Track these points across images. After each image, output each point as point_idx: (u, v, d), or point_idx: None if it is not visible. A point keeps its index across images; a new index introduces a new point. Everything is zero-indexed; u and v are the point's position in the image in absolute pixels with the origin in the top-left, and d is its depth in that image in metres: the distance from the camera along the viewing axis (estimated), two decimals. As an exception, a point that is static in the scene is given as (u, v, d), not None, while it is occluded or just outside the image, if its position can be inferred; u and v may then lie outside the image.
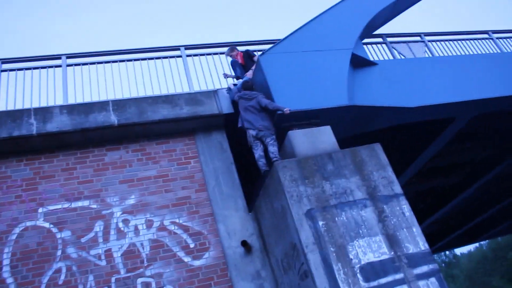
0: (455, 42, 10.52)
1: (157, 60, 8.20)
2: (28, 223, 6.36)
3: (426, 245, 5.77)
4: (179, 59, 8.32)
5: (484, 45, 10.73)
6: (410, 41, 10.09)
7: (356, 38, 8.35)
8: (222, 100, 7.58)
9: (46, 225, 6.38)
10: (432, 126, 9.94)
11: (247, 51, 8.23)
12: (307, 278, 5.42)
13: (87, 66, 7.92)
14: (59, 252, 6.19)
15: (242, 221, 6.92)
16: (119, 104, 7.20)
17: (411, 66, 8.86)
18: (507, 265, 46.56)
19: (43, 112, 6.90)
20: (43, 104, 7.36)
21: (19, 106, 7.25)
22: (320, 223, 5.65)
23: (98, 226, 6.49)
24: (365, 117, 7.95)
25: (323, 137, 6.79)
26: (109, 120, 7.04)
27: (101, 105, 7.15)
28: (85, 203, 6.65)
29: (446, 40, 10.48)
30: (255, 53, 8.41)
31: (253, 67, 7.87)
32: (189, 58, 8.35)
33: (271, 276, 6.54)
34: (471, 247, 59.23)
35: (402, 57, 9.66)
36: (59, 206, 6.56)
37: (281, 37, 7.99)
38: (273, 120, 6.93)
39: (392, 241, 5.70)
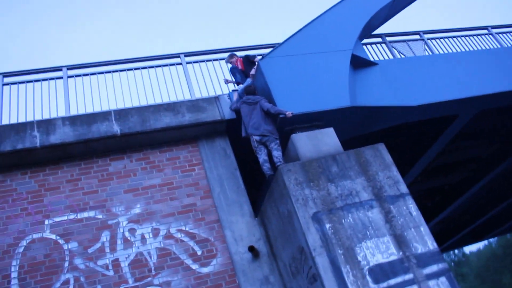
0: (454, 39, 10.50)
1: (157, 68, 8.22)
2: (35, 235, 6.36)
3: (435, 244, 5.73)
4: (180, 66, 8.33)
5: (484, 40, 10.71)
6: (410, 40, 10.07)
7: (355, 39, 8.34)
8: (224, 105, 7.58)
9: (53, 236, 6.38)
10: (435, 124, 9.91)
11: (246, 56, 8.24)
12: (316, 282, 5.39)
13: (88, 76, 7.94)
14: (66, 264, 6.18)
15: (249, 227, 6.90)
16: (121, 114, 7.21)
17: (411, 65, 8.84)
18: (517, 262, 46.24)
19: (46, 124, 6.92)
20: (46, 116, 7.39)
21: (22, 119, 7.27)
22: (327, 225, 5.62)
23: (105, 236, 6.49)
24: (367, 118, 7.93)
25: (327, 139, 6.77)
26: (111, 130, 7.04)
27: (104, 115, 7.16)
28: (91, 213, 6.65)
29: (446, 37, 10.46)
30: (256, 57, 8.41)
31: (252, 71, 7.86)
32: (189, 65, 8.36)
33: (280, 281, 6.50)
34: (480, 245, 58.86)
35: (402, 56, 9.64)
36: (65, 218, 6.56)
37: (281, 40, 7.99)
38: (276, 124, 6.92)
39: (400, 241, 5.66)
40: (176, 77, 8.18)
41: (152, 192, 6.97)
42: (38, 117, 7.33)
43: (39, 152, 6.79)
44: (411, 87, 8.34)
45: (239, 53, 8.54)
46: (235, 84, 8.30)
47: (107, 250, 6.38)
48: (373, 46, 9.62)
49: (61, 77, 7.85)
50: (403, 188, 6.16)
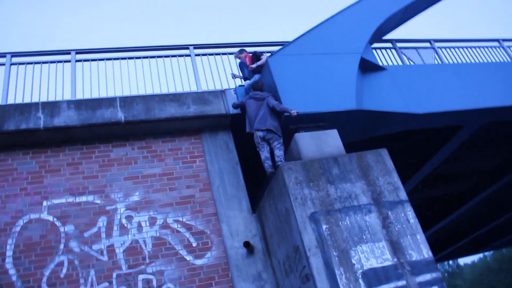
0: (464, 49, 10.45)
1: (165, 59, 8.22)
2: (32, 216, 6.38)
3: (430, 253, 5.71)
4: (188, 58, 8.33)
5: (494, 53, 10.65)
6: (420, 47, 10.03)
7: (365, 43, 8.32)
8: (229, 100, 7.57)
9: (50, 218, 6.40)
10: (439, 133, 9.88)
11: (255, 52, 8.23)
12: (308, 282, 5.39)
13: (96, 62, 7.94)
14: (61, 246, 6.21)
15: (246, 222, 6.90)
16: (127, 101, 7.22)
17: (420, 72, 8.81)
18: (511, 277, 46.12)
19: (51, 107, 6.93)
20: (51, 98, 7.40)
21: (27, 100, 7.29)
22: (324, 226, 5.61)
23: (102, 222, 6.50)
24: (372, 122, 7.91)
25: (330, 141, 6.76)
26: (116, 116, 7.05)
27: (109, 102, 7.17)
28: (90, 198, 6.67)
29: (456, 47, 10.41)
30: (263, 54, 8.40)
31: (258, 63, 7.86)
32: (197, 58, 8.36)
33: (273, 278, 6.51)
34: (475, 258, 58.82)
35: (411, 63, 9.61)
36: (64, 200, 6.58)
37: (291, 38, 7.98)
38: (280, 121, 6.92)
39: (396, 247, 5.66)
40: (184, 69, 8.18)
41: (152, 181, 6.98)
42: (43, 99, 7.34)
43: (42, 133, 6.81)
44: (418, 95, 8.32)
45: (248, 49, 8.53)
46: (242, 80, 8.30)
47: (103, 235, 6.40)
48: (383, 51, 9.59)
49: (69, 61, 7.86)
50: (403, 195, 6.15)
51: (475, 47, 10.60)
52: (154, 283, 6.18)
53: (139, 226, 6.57)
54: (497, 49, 10.81)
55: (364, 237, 5.65)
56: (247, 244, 6.61)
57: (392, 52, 9.65)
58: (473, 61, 10.23)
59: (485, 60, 10.39)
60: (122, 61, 8.04)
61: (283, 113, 6.79)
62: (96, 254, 6.24)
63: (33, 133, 6.75)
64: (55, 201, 6.55)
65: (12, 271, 5.92)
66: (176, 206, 6.84)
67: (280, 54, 7.59)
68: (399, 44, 9.83)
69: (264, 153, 6.77)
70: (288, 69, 7.40)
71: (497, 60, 10.51)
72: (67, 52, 7.98)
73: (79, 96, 7.51)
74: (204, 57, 8.43)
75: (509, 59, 10.61)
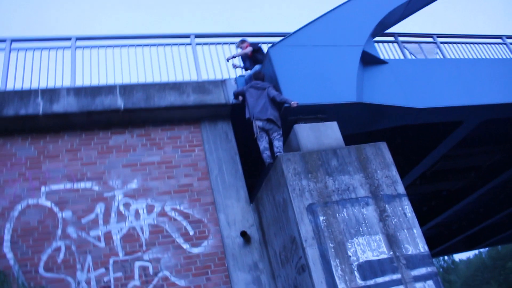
0: (467, 45, 10.42)
1: (166, 47, 8.19)
2: (30, 201, 6.39)
3: (426, 248, 5.74)
4: (189, 47, 8.30)
5: (497, 50, 10.62)
6: (422, 42, 10.01)
7: (368, 36, 8.28)
8: (229, 90, 7.55)
9: (48, 204, 6.41)
10: (439, 128, 9.87)
11: (252, 43, 8.22)
12: (304, 272, 5.42)
13: (96, 49, 7.91)
14: (59, 231, 6.22)
15: (243, 212, 6.92)
16: (126, 89, 7.20)
17: (421, 67, 8.78)
18: (506, 274, 46.37)
19: (50, 93, 6.91)
20: (51, 85, 7.37)
21: (27, 86, 7.27)
22: (321, 218, 5.63)
23: (99, 208, 6.52)
24: (372, 115, 7.90)
25: (329, 133, 6.76)
26: (115, 104, 7.04)
27: (109, 89, 7.15)
28: (88, 184, 6.68)
29: (459, 43, 10.38)
30: (262, 45, 8.41)
31: (243, 50, 7.97)
32: (198, 47, 8.33)
33: (268, 268, 6.54)
34: (470, 254, 59.05)
35: (413, 57, 9.58)
36: (62, 186, 6.59)
37: (293, 29, 7.95)
38: (280, 112, 6.91)
39: (392, 241, 5.68)
40: (184, 58, 8.16)
41: (150, 169, 6.98)
42: (43, 85, 7.31)
43: (41, 119, 6.80)
44: (419, 89, 8.30)
45: (250, 39, 8.49)
46: (243, 70, 8.28)
47: (101, 222, 6.42)
48: (385, 44, 9.57)
49: (69, 47, 7.82)
50: (401, 189, 6.16)
51: (478, 43, 10.57)
52: (150, 270, 6.21)
53: (137, 214, 6.58)
54: (500, 46, 10.78)
55: (361, 229, 5.67)
56: (244, 234, 6.63)
57: (394, 46, 9.62)
58: (475, 57, 10.20)
59: (488, 57, 10.36)
60: (122, 48, 8.00)
61: (283, 104, 6.78)
62: (93, 240, 6.26)
63: (32, 119, 6.75)
64: (53, 187, 6.55)
65: (9, 255, 5.94)
66: (174, 194, 6.85)
67: (282, 45, 7.55)
68: (401, 38, 9.80)
69: (263, 144, 6.76)
70: (289, 60, 7.38)
71: (500, 57, 10.48)
72: (68, 38, 7.95)
73: (78, 83, 7.49)
74: (205, 47, 8.42)
75: (511, 56, 10.58)
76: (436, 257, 35.83)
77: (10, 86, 7.25)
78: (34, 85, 7.29)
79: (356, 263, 5.40)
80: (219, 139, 7.49)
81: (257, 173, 8.14)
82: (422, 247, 5.72)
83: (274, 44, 7.64)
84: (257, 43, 8.27)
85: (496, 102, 8.72)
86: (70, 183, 6.63)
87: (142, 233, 6.44)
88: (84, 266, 6.04)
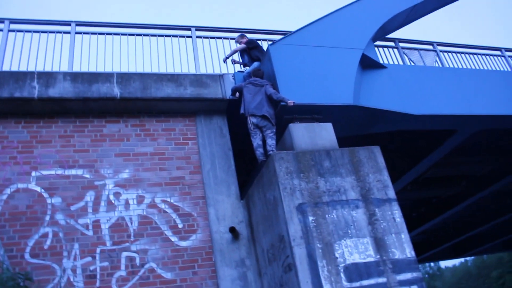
0: (466, 55, 10.46)
1: (166, 38, 8.15)
2: (20, 185, 6.34)
3: (413, 253, 5.77)
4: (189, 39, 8.27)
5: (496, 61, 10.68)
6: (422, 49, 10.05)
7: (368, 39, 8.30)
8: (227, 85, 7.54)
9: (38, 189, 6.37)
10: (433, 135, 9.92)
11: (250, 40, 8.22)
12: (290, 271, 5.43)
13: (96, 35, 7.85)
14: (47, 217, 6.18)
15: (233, 208, 6.92)
16: (124, 77, 7.16)
17: (420, 74, 8.82)
18: (490, 283, 46.78)
19: (47, 77, 6.86)
20: (48, 69, 7.32)
21: (23, 68, 7.21)
22: (310, 218, 5.64)
23: (89, 196, 6.48)
24: (368, 119, 7.92)
25: (324, 134, 6.76)
26: (112, 92, 7.00)
27: (106, 77, 7.11)
28: (79, 171, 6.64)
29: (458, 52, 10.43)
30: (262, 43, 8.43)
31: (237, 47, 8.13)
32: (198, 40, 8.30)
33: (255, 265, 6.55)
34: (456, 262, 59.49)
35: (412, 64, 9.61)
36: (53, 172, 6.55)
37: (293, 29, 7.94)
38: (276, 110, 6.91)
39: (380, 244, 5.70)
40: (184, 50, 8.13)
41: (143, 160, 6.96)
42: (40, 68, 7.26)
43: (36, 103, 6.74)
44: (416, 96, 8.34)
45: (250, 36, 8.48)
46: (242, 66, 8.27)
47: (90, 210, 6.39)
48: (385, 49, 9.59)
49: (68, 32, 7.76)
50: (391, 194, 6.18)
51: (477, 54, 10.62)
52: (137, 261, 6.20)
53: (127, 204, 6.56)
54: (499, 58, 10.84)
55: (350, 231, 5.69)
56: (232, 230, 6.63)
57: (394, 51, 9.65)
58: (473, 67, 10.25)
59: (486, 68, 10.42)
60: (122, 37, 7.95)
61: (279, 102, 6.78)
62: (81, 228, 6.23)
63: (27, 102, 6.69)
64: (44, 172, 6.51)
65: (-5, 238, 5.90)
66: (165, 186, 6.83)
67: (282, 43, 7.55)
68: (401, 44, 9.84)
69: (257, 141, 6.76)
70: (289, 58, 7.37)
71: (498, 69, 10.53)
72: (68, 23, 7.89)
73: (76, 69, 7.44)
74: (205, 40, 8.38)
75: (509, 69, 10.64)
76: (422, 263, 36.04)
77: (6, 68, 7.19)
78: (31, 68, 7.23)
79: (342, 264, 5.42)
80: (214, 134, 7.47)
81: (249, 170, 8.13)
82: (409, 252, 5.75)
83: (274, 42, 7.64)
84: (255, 40, 8.26)
85: (491, 113, 8.79)
86: (61, 169, 6.59)
87: (131, 223, 6.42)
88: (71, 254, 6.01)
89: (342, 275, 5.34)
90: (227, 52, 8.33)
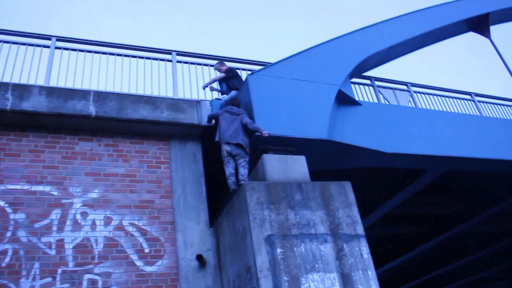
0: (439, 97, 10.83)
1: (146, 60, 8.18)
2: (-17, 199, 6.14)
3: (378, 290, 5.79)
4: (169, 63, 8.31)
5: (466, 105, 11.07)
6: (397, 89, 10.35)
7: (345, 76, 8.51)
8: (203, 111, 7.57)
9: (1, 203, 6.16)
10: (404, 174, 10.11)
11: (229, 68, 8.32)
12: (255, 303, 5.36)
13: (75, 52, 7.83)
14: (8, 234, 5.97)
15: (202, 235, 6.85)
16: (100, 96, 7.12)
17: (393, 113, 9.05)
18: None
19: (22, 90, 6.76)
20: (24, 81, 7.22)
21: (-2, 79, 7.10)
22: (278, 250, 5.62)
23: (55, 214, 6.32)
24: (340, 154, 8.04)
25: (296, 166, 6.82)
26: (87, 110, 6.94)
27: (82, 94, 7.06)
28: (46, 188, 6.49)
29: (431, 94, 10.78)
30: (239, 71, 8.53)
31: (216, 76, 8.22)
32: (178, 65, 8.35)
33: (220, 295, 6.45)
34: (422, 300, 59.63)
35: (387, 102, 9.86)
36: (19, 187, 6.37)
37: (272, 60, 8.09)
38: (250, 140, 6.95)
39: (346, 280, 5.71)
40: (163, 73, 8.16)
41: (114, 181, 6.86)
42: (15, 80, 7.15)
43: (8, 115, 6.61)
44: (388, 134, 8.53)
45: (229, 64, 8.59)
46: (220, 93, 8.33)
47: (54, 228, 6.21)
48: (361, 86, 9.83)
49: (48, 46, 7.72)
50: (360, 230, 6.23)
51: (448, 97, 11.00)
52: (100, 284, 6.02)
53: (93, 224, 6.42)
54: (469, 102, 11.24)
55: (317, 266, 5.68)
56: (199, 257, 6.54)
57: (369, 89, 9.89)
58: (445, 109, 10.59)
59: (456, 111, 10.77)
60: (102, 55, 7.94)
61: (254, 132, 6.83)
62: (43, 247, 6.04)
63: (-1, 113, 6.56)
64: (10, 187, 6.33)
65: (-49, 253, 5.66)
66: (134, 209, 6.72)
67: (261, 74, 7.66)
68: (377, 83, 10.11)
69: (229, 169, 6.76)
70: (266, 89, 7.48)
71: (467, 113, 10.90)
72: (48, 37, 7.85)
73: (52, 83, 7.36)
74: (185, 65, 8.44)
75: (477, 113, 11.02)
76: (388, 300, 35.99)
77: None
78: (6, 79, 7.12)
79: (308, 299, 5.39)
80: (187, 159, 7.44)
81: (220, 198, 8.10)
82: (374, 290, 5.76)
83: (253, 72, 7.75)
84: (234, 69, 8.36)
85: (460, 155, 9.02)
86: (28, 185, 6.43)
87: (96, 245, 6.27)
88: (30, 273, 5.80)
89: (306, 309, 5.30)
90: (206, 79, 8.41)
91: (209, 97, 8.24)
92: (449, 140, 9.20)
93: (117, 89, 7.65)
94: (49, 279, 5.85)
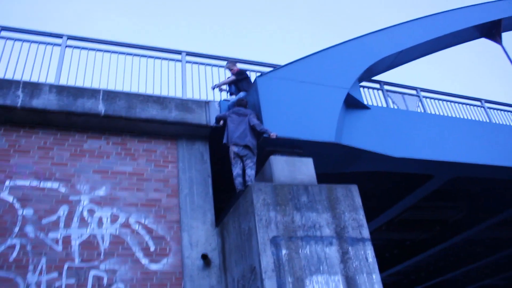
0: (448, 103, 10.77)
1: (156, 60, 8.23)
2: (-8, 194, 6.21)
3: (383, 295, 5.78)
4: (178, 63, 8.35)
5: (476, 112, 11.01)
6: (406, 93, 10.31)
7: (354, 79, 8.50)
8: (212, 112, 7.60)
9: (10, 199, 6.24)
10: (411, 179, 10.07)
11: (240, 70, 8.32)
12: (259, 304, 5.37)
13: (86, 51, 7.90)
14: (16, 229, 6.04)
15: (207, 235, 6.87)
16: (110, 95, 7.18)
17: (402, 117, 9.02)
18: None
19: (32, 87, 6.84)
20: (34, 79, 7.29)
21: (9, 76, 7.17)
22: (283, 251, 5.63)
23: (62, 211, 6.38)
24: (347, 157, 8.03)
25: (303, 168, 6.83)
26: (96, 108, 7.00)
27: (92, 92, 7.12)
28: (55, 185, 6.55)
29: (440, 99, 10.72)
30: (248, 73, 8.53)
31: (226, 79, 8.19)
32: (188, 65, 8.38)
33: (224, 295, 6.46)
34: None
35: (395, 107, 9.84)
36: (27, 183, 6.44)
37: (281, 62, 8.09)
38: (258, 141, 6.96)
39: (350, 283, 5.70)
40: (173, 73, 8.19)
41: (121, 179, 6.90)
42: (26, 78, 7.23)
43: (18, 112, 6.69)
44: (396, 139, 8.50)
45: (240, 65, 8.60)
46: (229, 94, 8.35)
47: (61, 224, 6.26)
48: (370, 90, 9.81)
49: (59, 45, 7.79)
50: (365, 233, 6.22)
51: (458, 103, 10.94)
52: (105, 281, 6.07)
53: (100, 222, 6.46)
54: (479, 108, 11.18)
55: (321, 268, 5.68)
56: (204, 257, 6.57)
57: (378, 93, 9.87)
58: (454, 115, 10.54)
59: (466, 117, 10.72)
60: (112, 54, 8.00)
61: (262, 134, 6.84)
62: (50, 243, 6.10)
63: (9, 110, 6.63)
64: (19, 183, 6.40)
65: (-41, 247, 5.73)
66: (140, 207, 6.76)
67: (270, 76, 7.68)
68: (386, 87, 10.08)
69: (237, 170, 6.79)
70: (275, 91, 7.49)
71: (477, 119, 10.84)
72: (59, 36, 7.92)
73: (63, 82, 7.43)
74: (194, 66, 8.47)
75: (487, 119, 10.96)
76: (392, 305, 35.84)
77: (-9, 74, 7.14)
78: (17, 77, 7.20)
79: (312, 301, 5.39)
80: (194, 159, 7.47)
81: (226, 198, 8.12)
82: (379, 294, 5.75)
83: (262, 74, 7.77)
84: (245, 71, 8.37)
85: (468, 161, 8.98)
86: (36, 181, 6.49)
87: (102, 242, 6.31)
88: (37, 268, 5.86)
89: (310, 311, 5.30)
90: (215, 79, 8.44)
91: (217, 98, 8.27)
92: (457, 146, 9.16)
93: (127, 89, 7.72)
94: (55, 274, 5.91)
